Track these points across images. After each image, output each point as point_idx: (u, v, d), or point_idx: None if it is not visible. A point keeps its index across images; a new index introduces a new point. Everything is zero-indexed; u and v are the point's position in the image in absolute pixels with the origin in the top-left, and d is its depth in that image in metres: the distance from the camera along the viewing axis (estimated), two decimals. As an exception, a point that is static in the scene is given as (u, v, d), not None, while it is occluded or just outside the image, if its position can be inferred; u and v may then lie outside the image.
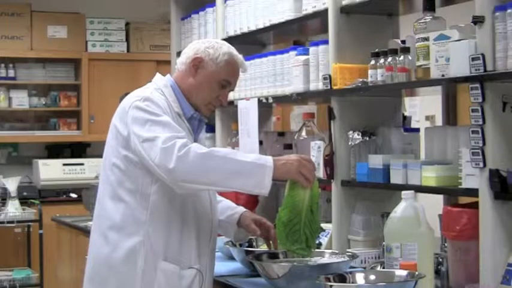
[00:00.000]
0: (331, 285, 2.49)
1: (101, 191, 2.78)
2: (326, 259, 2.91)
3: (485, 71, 2.54)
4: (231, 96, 4.23)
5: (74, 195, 6.98)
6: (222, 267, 3.35)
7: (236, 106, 4.13)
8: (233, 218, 2.97)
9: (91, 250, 2.80)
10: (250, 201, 4.19)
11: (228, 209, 3.00)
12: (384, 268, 2.77)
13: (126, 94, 2.90)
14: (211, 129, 4.64)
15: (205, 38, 4.66)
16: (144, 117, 2.62)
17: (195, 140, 2.79)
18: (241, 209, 3.01)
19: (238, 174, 2.55)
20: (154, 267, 2.66)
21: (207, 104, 2.79)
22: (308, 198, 2.67)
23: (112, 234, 2.71)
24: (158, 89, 2.77)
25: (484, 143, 2.57)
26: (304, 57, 3.59)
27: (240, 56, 2.83)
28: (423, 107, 6.88)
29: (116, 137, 2.71)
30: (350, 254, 2.97)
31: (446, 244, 2.84)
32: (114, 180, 2.71)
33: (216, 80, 2.76)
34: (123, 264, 2.69)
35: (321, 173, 3.45)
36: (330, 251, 3.13)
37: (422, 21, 2.88)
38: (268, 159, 2.58)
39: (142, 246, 2.66)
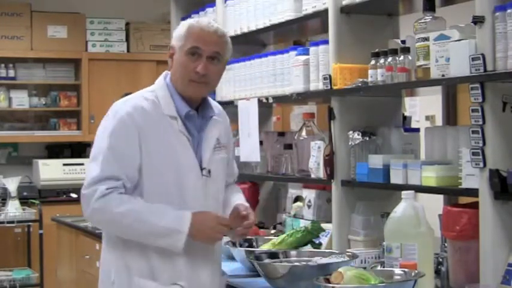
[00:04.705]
0: (331, 286, 2.49)
1: None
2: (326, 259, 2.91)
3: (485, 71, 2.54)
4: (232, 95, 4.25)
5: (74, 195, 6.97)
6: (222, 267, 3.35)
7: (236, 106, 4.13)
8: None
9: None
10: (250, 201, 4.17)
11: (224, 205, 2.83)
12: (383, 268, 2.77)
13: (126, 94, 2.89)
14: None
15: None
16: (98, 134, 2.65)
17: (199, 142, 2.68)
18: (234, 205, 2.79)
19: (150, 235, 2.56)
20: (128, 283, 2.60)
21: (188, 83, 2.64)
22: None
23: (103, 245, 2.73)
24: (153, 91, 2.70)
25: (484, 143, 2.57)
26: (304, 57, 3.59)
27: (201, 20, 2.71)
28: (423, 107, 6.88)
29: None
30: (350, 254, 2.98)
31: (446, 244, 2.84)
32: None
33: (184, 54, 2.64)
34: (102, 276, 2.70)
35: (321, 173, 3.45)
36: (330, 251, 3.13)
37: (422, 21, 2.88)
38: (184, 224, 2.54)
39: (114, 261, 2.64)
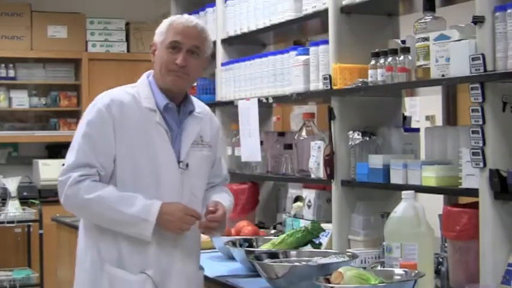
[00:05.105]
0: (331, 286, 2.49)
1: None
2: (326, 259, 2.91)
3: (485, 71, 2.54)
4: (232, 95, 4.25)
5: (74, 195, 6.95)
6: (222, 267, 3.35)
7: (236, 106, 4.13)
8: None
9: None
10: (250, 201, 4.20)
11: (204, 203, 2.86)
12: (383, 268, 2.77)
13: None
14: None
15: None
16: (79, 124, 2.74)
17: (177, 136, 2.74)
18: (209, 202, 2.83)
19: (119, 223, 2.64)
20: (100, 270, 2.67)
21: (167, 73, 2.72)
22: None
23: (80, 233, 2.81)
24: (135, 86, 2.78)
25: (484, 143, 2.57)
26: (304, 57, 3.59)
27: (183, 16, 2.79)
28: (423, 107, 6.88)
29: None
30: (350, 254, 2.98)
31: (446, 244, 2.84)
32: None
33: (164, 48, 2.72)
34: (78, 264, 2.77)
35: (321, 173, 3.45)
36: (330, 251, 3.13)
37: (423, 21, 2.87)
38: (152, 213, 2.62)
39: (89, 249, 2.71)
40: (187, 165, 2.74)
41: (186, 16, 2.81)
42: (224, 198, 2.87)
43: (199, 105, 2.87)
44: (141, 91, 2.76)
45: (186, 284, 2.77)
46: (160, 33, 2.76)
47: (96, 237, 2.70)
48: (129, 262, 2.67)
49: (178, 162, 2.72)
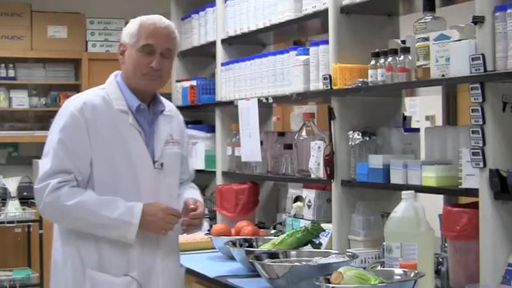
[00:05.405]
0: (331, 286, 2.49)
1: None
2: (326, 259, 2.91)
3: (485, 71, 2.54)
4: (232, 95, 4.25)
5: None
6: (222, 267, 3.35)
7: (236, 106, 4.13)
8: None
9: None
10: (250, 201, 4.20)
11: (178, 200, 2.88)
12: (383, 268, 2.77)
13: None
14: (211, 129, 4.64)
15: (204, 38, 4.68)
16: (50, 131, 2.73)
17: (150, 136, 2.74)
18: (185, 199, 2.86)
19: (102, 227, 2.63)
20: (82, 275, 2.66)
21: (142, 77, 2.73)
22: None
23: (56, 239, 2.78)
24: (104, 88, 2.79)
25: (484, 143, 2.57)
26: (304, 57, 3.59)
27: (153, 17, 2.80)
28: (423, 107, 6.88)
29: None
30: (350, 254, 2.98)
31: (446, 244, 2.84)
32: None
33: (137, 50, 2.73)
34: (57, 269, 2.74)
35: (321, 173, 3.45)
36: (330, 251, 3.13)
37: (423, 21, 2.87)
38: (135, 215, 2.62)
39: (69, 256, 2.69)
40: (162, 164, 2.75)
41: (156, 17, 2.83)
42: (197, 195, 2.90)
43: (167, 104, 2.89)
44: (110, 92, 2.76)
45: (169, 283, 2.78)
46: (131, 34, 2.77)
47: (76, 242, 2.68)
48: (111, 265, 2.66)
49: (154, 162, 2.74)
